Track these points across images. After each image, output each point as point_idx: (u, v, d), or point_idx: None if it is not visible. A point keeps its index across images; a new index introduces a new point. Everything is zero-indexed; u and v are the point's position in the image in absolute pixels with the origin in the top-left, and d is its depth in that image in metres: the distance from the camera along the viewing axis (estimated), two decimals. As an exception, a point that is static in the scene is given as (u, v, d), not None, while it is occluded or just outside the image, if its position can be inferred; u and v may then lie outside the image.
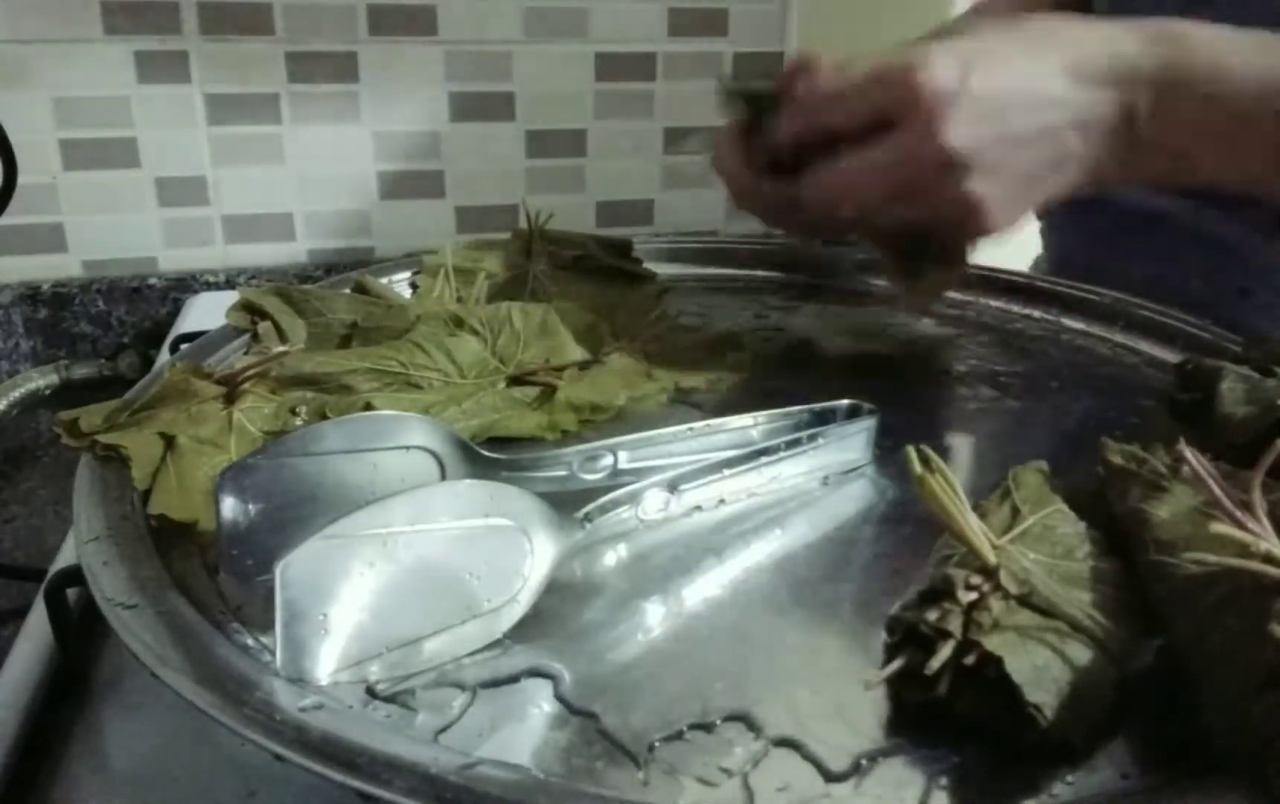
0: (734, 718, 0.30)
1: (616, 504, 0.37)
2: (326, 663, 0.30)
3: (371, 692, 0.31)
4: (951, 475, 0.31)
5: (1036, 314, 0.66)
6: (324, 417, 0.45)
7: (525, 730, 0.30)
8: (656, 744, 0.29)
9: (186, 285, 0.88)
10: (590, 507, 0.36)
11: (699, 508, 0.40)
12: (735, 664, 0.32)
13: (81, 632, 0.39)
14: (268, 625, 0.31)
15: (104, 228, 0.87)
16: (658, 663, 0.33)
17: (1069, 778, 0.28)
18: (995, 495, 0.35)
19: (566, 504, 0.35)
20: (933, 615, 0.29)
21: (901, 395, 0.53)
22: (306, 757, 0.26)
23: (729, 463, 0.40)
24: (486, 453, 0.40)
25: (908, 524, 0.41)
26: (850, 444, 0.44)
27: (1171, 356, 0.57)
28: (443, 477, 0.39)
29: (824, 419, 0.45)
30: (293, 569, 0.29)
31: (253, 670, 0.30)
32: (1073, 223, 0.74)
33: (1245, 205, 0.62)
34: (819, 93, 0.48)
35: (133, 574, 0.34)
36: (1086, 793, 0.27)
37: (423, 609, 0.31)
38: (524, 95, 0.94)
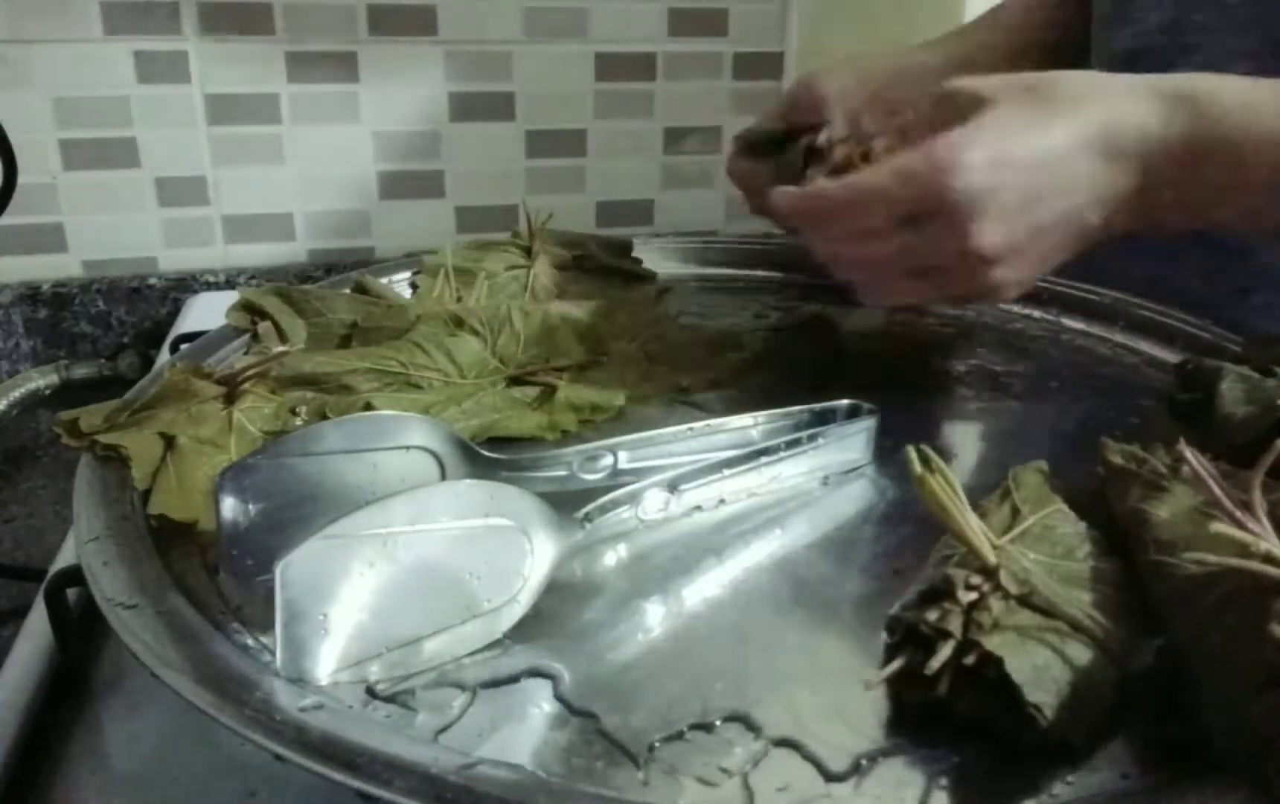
0: (734, 718, 0.30)
1: (616, 504, 0.37)
2: (326, 663, 0.30)
3: (371, 692, 0.31)
4: (951, 475, 0.31)
5: (1036, 314, 0.66)
6: (324, 416, 0.45)
7: (525, 730, 0.30)
8: (656, 744, 0.29)
9: (186, 285, 0.88)
10: (590, 507, 0.36)
11: (699, 508, 0.40)
12: (735, 664, 0.32)
13: (81, 632, 0.39)
14: (268, 625, 0.31)
15: (104, 228, 0.87)
16: (658, 663, 0.33)
17: (1069, 778, 0.28)
18: (995, 495, 0.35)
19: (566, 504, 0.35)
20: (933, 615, 0.29)
21: (901, 395, 0.53)
22: (306, 757, 0.26)
23: (729, 463, 0.40)
24: (486, 453, 0.40)
25: (908, 524, 0.41)
26: (850, 444, 0.44)
27: (1171, 357, 0.57)
28: (443, 476, 0.39)
29: (824, 419, 0.45)
30: (293, 569, 0.29)
31: (253, 670, 0.30)
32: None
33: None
34: (842, 200, 0.48)
35: (133, 574, 0.34)
36: (1086, 793, 0.27)
37: (423, 609, 0.31)
38: (524, 95, 0.94)
